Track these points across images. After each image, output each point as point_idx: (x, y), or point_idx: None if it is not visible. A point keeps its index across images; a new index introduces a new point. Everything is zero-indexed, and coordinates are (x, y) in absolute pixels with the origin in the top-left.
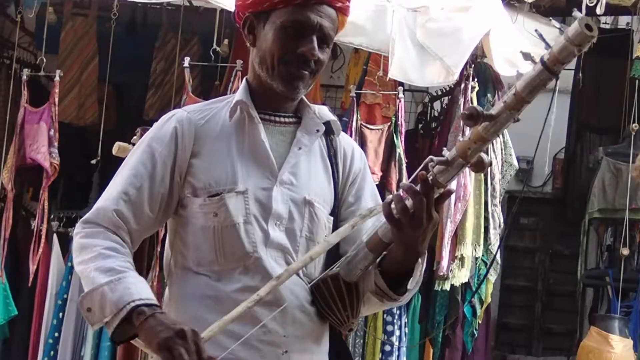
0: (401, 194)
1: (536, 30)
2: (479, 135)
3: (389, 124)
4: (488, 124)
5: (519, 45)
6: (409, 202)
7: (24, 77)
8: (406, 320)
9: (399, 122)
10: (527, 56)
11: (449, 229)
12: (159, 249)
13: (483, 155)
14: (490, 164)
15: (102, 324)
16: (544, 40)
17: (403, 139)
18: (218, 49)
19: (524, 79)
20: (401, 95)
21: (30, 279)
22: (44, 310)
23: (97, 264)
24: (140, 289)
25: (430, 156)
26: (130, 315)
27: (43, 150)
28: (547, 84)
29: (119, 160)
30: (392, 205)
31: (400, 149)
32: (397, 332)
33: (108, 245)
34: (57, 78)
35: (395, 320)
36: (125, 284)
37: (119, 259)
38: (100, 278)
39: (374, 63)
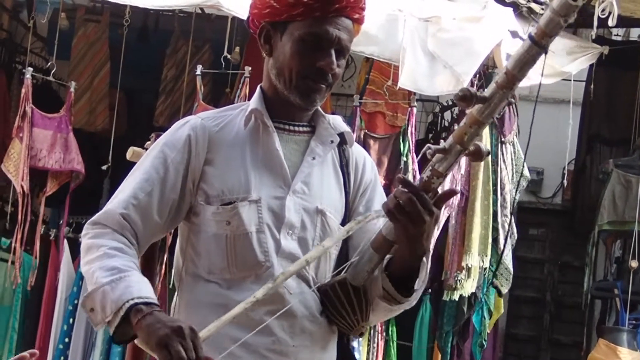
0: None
1: (523, 6)
2: (474, 119)
3: (397, 132)
4: (482, 106)
5: None
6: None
7: (28, 75)
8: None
9: (410, 131)
10: (514, 34)
11: (451, 235)
12: (166, 256)
13: (480, 144)
14: (488, 154)
15: (105, 324)
16: (530, 15)
17: (413, 148)
18: (229, 56)
19: (514, 56)
20: (414, 104)
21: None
22: (54, 316)
23: (101, 264)
24: (141, 288)
25: (428, 144)
26: (128, 314)
27: (79, 159)
28: (537, 59)
29: (129, 167)
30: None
31: (408, 158)
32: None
33: (114, 245)
34: (72, 89)
35: None
36: (127, 282)
37: (123, 259)
38: (103, 277)
39: (378, 72)
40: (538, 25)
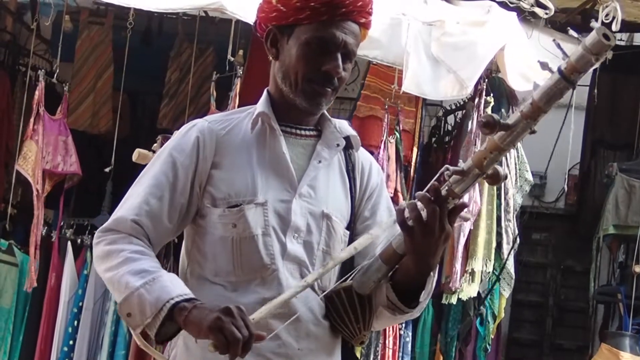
0: (416, 202)
1: (554, 40)
2: (495, 145)
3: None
4: (504, 133)
5: (533, 61)
6: (423, 212)
7: (41, 78)
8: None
9: (402, 138)
10: (544, 65)
11: (461, 242)
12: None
13: (499, 167)
14: (506, 177)
15: (143, 327)
16: (561, 49)
17: (407, 152)
18: (233, 59)
19: (541, 88)
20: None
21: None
22: (57, 318)
23: (128, 268)
24: (176, 286)
25: (446, 165)
26: (171, 313)
27: (78, 161)
28: (565, 93)
29: (132, 169)
30: (406, 213)
31: (400, 161)
32: None
33: (134, 249)
34: (66, 91)
35: None
36: (161, 282)
37: (148, 261)
38: (135, 281)
39: (375, 76)
40: (569, 61)
